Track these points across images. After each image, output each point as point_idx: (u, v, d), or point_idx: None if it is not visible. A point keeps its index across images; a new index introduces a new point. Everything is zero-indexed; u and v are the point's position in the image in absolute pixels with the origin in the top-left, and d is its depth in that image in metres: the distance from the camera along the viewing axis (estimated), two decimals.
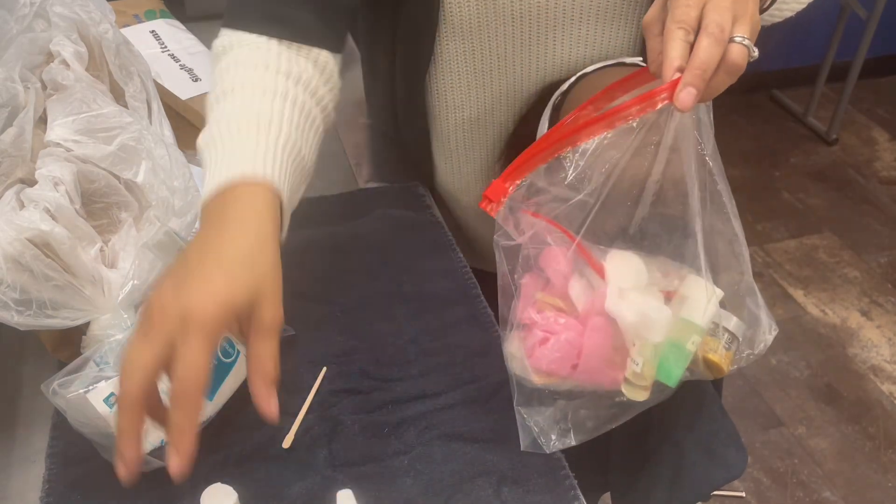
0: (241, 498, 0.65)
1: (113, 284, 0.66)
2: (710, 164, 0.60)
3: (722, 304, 0.62)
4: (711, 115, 0.61)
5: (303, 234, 0.92)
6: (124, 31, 0.91)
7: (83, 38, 0.74)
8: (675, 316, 0.60)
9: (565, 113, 0.73)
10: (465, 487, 0.66)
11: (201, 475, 0.67)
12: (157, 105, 0.78)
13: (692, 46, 0.55)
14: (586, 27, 0.82)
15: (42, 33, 0.75)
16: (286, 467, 0.68)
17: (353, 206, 0.97)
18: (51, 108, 0.69)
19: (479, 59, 0.84)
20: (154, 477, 0.66)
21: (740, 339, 0.63)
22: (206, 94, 1.10)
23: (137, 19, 1.24)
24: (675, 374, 0.61)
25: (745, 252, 0.63)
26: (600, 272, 0.61)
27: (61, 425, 0.68)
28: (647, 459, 0.80)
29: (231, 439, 0.69)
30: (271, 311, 0.56)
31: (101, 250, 0.67)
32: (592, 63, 0.83)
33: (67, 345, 0.71)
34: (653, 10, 0.59)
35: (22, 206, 0.65)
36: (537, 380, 0.63)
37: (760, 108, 3.00)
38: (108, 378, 0.63)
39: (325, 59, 0.74)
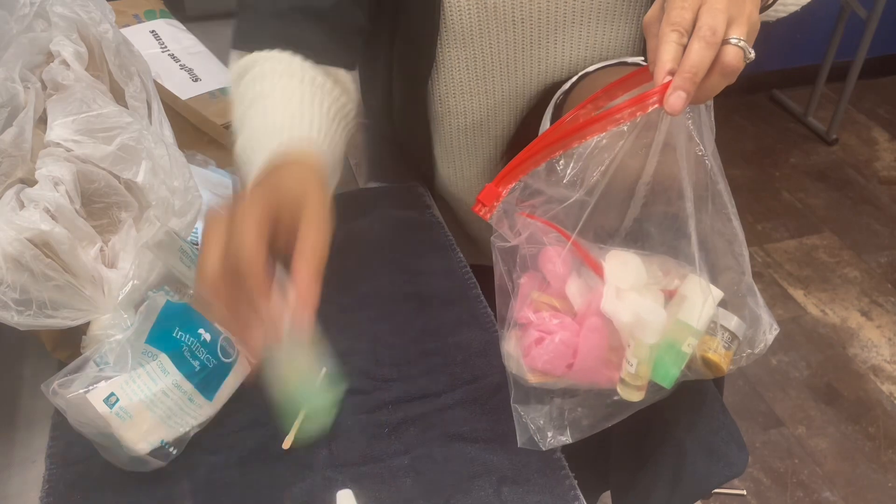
0: (241, 498, 0.65)
1: (113, 284, 0.66)
2: (710, 164, 0.60)
3: (722, 304, 0.62)
4: (712, 116, 0.61)
5: None
6: (124, 31, 0.91)
7: (83, 38, 0.74)
8: (671, 317, 0.60)
9: (567, 111, 0.73)
10: (465, 487, 0.66)
11: (201, 475, 0.67)
12: (157, 105, 0.78)
13: (686, 49, 0.55)
14: (587, 28, 0.82)
15: (42, 33, 0.75)
16: (286, 467, 0.68)
17: (353, 206, 0.96)
18: (51, 108, 0.69)
19: (480, 65, 0.84)
20: (153, 477, 0.66)
21: (740, 339, 0.63)
22: (206, 94, 1.11)
23: (137, 19, 1.24)
24: (670, 376, 0.61)
25: (745, 252, 0.63)
26: (598, 271, 0.61)
27: (61, 425, 0.68)
28: (648, 458, 0.80)
29: (231, 439, 0.69)
30: (318, 204, 0.58)
31: (101, 250, 0.67)
32: (593, 62, 0.83)
33: (67, 345, 0.71)
34: (653, 10, 0.59)
35: (22, 206, 0.65)
36: (532, 379, 0.63)
37: (760, 108, 2.99)
38: (108, 378, 0.63)
39: (344, 77, 0.77)
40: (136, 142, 0.69)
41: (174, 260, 0.67)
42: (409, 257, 0.89)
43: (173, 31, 1.23)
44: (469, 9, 0.79)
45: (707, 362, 0.62)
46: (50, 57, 0.74)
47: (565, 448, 0.73)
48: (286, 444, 0.69)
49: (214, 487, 0.66)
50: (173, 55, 1.17)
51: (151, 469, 0.65)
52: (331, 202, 0.60)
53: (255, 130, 0.68)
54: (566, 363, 0.62)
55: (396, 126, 0.95)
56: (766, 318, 0.63)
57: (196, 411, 0.67)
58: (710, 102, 0.61)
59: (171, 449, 0.66)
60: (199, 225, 0.84)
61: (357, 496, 0.65)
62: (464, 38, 0.81)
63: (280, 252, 0.56)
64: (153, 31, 1.22)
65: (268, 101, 0.70)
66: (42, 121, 0.70)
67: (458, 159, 0.94)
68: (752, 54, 0.56)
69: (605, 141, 0.58)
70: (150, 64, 0.80)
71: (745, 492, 1.71)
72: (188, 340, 0.67)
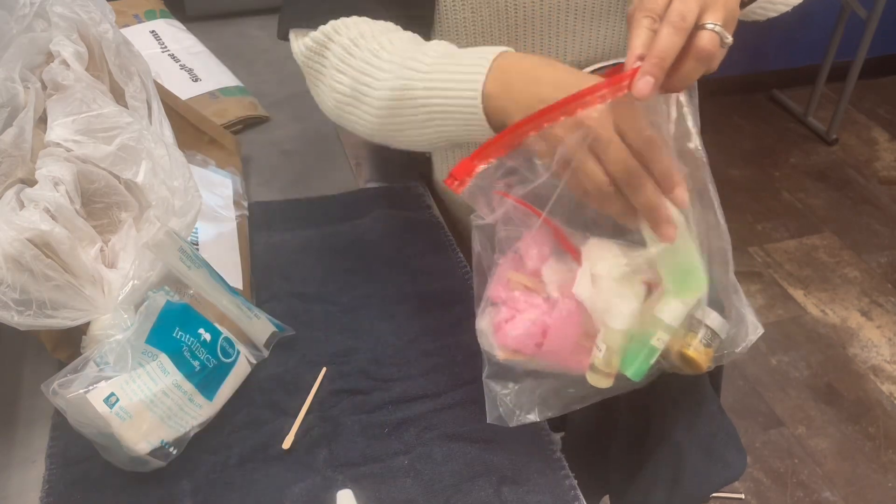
0: (241, 498, 0.65)
1: (113, 284, 0.66)
2: (696, 155, 0.60)
3: (707, 300, 0.62)
4: (696, 106, 0.61)
5: (303, 234, 0.92)
6: (124, 31, 0.91)
7: (83, 38, 0.74)
8: (647, 308, 0.60)
9: None
10: (465, 487, 0.66)
11: (201, 475, 0.67)
12: (157, 105, 0.78)
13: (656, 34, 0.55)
14: (581, 24, 0.82)
15: (42, 33, 0.75)
16: (286, 467, 0.68)
17: (354, 206, 0.97)
18: (51, 108, 0.69)
19: None
20: (153, 477, 0.66)
21: (722, 338, 0.63)
22: (206, 94, 1.11)
23: (137, 19, 1.24)
24: (638, 369, 0.62)
25: (729, 248, 0.62)
26: (575, 256, 0.61)
27: (61, 425, 0.68)
28: (647, 460, 0.80)
29: (231, 439, 0.70)
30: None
31: (101, 250, 0.67)
32: (589, 60, 0.83)
33: (67, 345, 0.71)
34: (635, 2, 0.59)
35: (22, 206, 0.65)
36: (502, 355, 0.64)
37: (760, 108, 2.99)
38: (108, 378, 0.63)
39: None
40: (136, 142, 0.69)
41: (174, 260, 0.67)
42: (409, 257, 0.89)
43: (173, 31, 1.23)
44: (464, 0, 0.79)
45: (685, 358, 0.62)
46: (50, 57, 0.74)
47: (565, 448, 0.73)
48: (286, 444, 0.69)
49: (214, 487, 0.66)
50: (173, 55, 1.17)
51: (151, 469, 0.65)
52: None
53: (439, 59, 0.67)
54: (535, 342, 0.62)
55: None
56: (750, 318, 0.63)
57: (196, 411, 0.67)
58: (695, 94, 0.61)
59: (171, 449, 0.66)
60: (199, 224, 0.84)
61: (357, 496, 0.65)
62: (458, 30, 0.82)
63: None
64: (153, 31, 1.22)
65: (418, 41, 0.71)
66: (42, 121, 0.70)
67: (453, 155, 0.94)
68: (729, 39, 0.56)
69: (579, 124, 0.57)
70: (150, 64, 0.80)
71: (742, 495, 1.71)
72: (188, 340, 0.67)
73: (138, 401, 0.63)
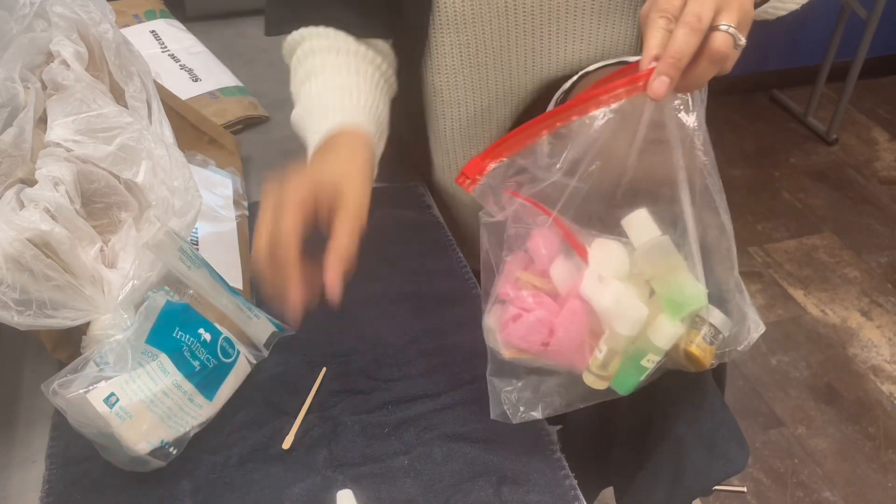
0: (240, 498, 0.65)
1: (113, 284, 0.66)
2: (702, 157, 0.60)
3: (710, 299, 0.62)
4: (704, 105, 0.61)
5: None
6: (124, 31, 0.91)
7: (83, 38, 0.74)
8: (653, 313, 0.60)
9: None
10: (465, 487, 0.66)
11: (202, 475, 0.67)
12: (157, 105, 0.78)
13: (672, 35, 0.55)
14: (582, 22, 0.82)
15: (42, 33, 0.74)
16: (286, 468, 0.68)
17: None
18: (51, 108, 0.69)
19: (473, 53, 0.84)
20: (153, 477, 0.66)
21: (725, 335, 0.63)
22: (206, 94, 1.11)
23: (137, 19, 1.24)
24: (627, 385, 0.62)
25: (734, 247, 0.63)
26: (583, 254, 0.61)
27: (61, 425, 0.68)
28: (649, 454, 0.80)
29: (231, 439, 0.70)
30: (355, 194, 0.66)
31: (101, 250, 0.67)
32: (590, 59, 0.83)
33: (67, 345, 0.71)
34: (648, 2, 0.59)
35: (22, 206, 0.65)
36: (507, 353, 0.64)
37: (760, 108, 2.99)
38: (108, 378, 0.63)
39: (382, 45, 0.86)
40: (136, 142, 0.69)
41: (174, 260, 0.67)
42: (409, 257, 0.89)
43: (173, 31, 1.23)
44: None
45: (688, 356, 0.62)
46: (50, 57, 0.74)
47: (565, 448, 0.73)
48: (286, 444, 0.69)
49: (214, 487, 0.66)
50: (173, 55, 1.17)
51: (151, 469, 0.65)
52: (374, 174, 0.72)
53: (309, 111, 0.79)
54: (541, 341, 0.62)
55: (395, 117, 0.95)
56: (752, 316, 0.63)
57: (196, 411, 0.67)
58: (705, 96, 0.61)
59: (171, 449, 0.66)
60: (199, 224, 0.84)
61: (357, 496, 0.65)
62: (455, 23, 0.82)
63: (324, 228, 0.66)
64: (153, 31, 1.22)
65: (318, 78, 0.80)
66: (42, 121, 0.70)
67: (453, 153, 0.94)
68: (743, 41, 0.56)
69: (591, 124, 0.58)
70: (150, 64, 0.80)
71: (745, 489, 1.71)
72: (188, 340, 0.67)
73: (138, 401, 0.63)
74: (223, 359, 0.70)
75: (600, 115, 0.57)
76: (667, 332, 0.60)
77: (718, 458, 0.77)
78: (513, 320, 0.63)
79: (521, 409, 0.65)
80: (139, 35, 1.20)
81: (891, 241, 2.40)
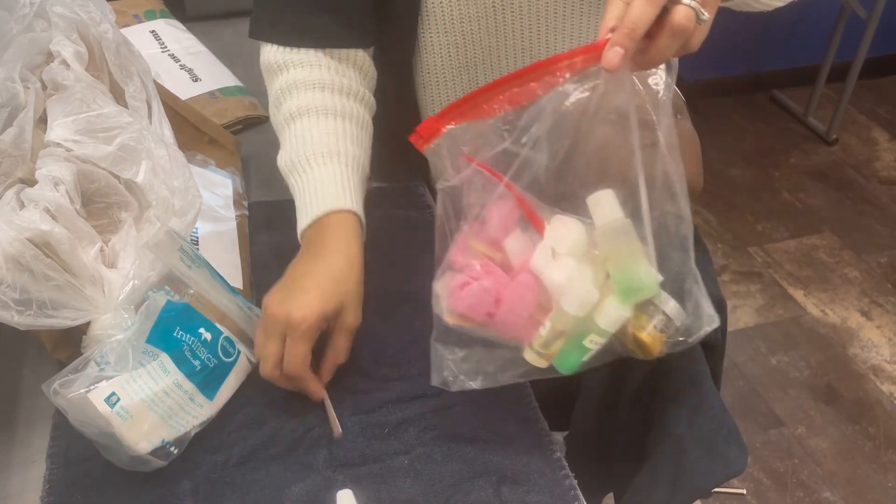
0: (241, 498, 0.65)
1: (113, 284, 0.66)
2: (661, 139, 0.59)
3: (663, 286, 0.61)
4: (671, 87, 0.60)
5: None
6: (124, 31, 0.91)
7: (83, 38, 0.74)
8: (604, 296, 0.59)
9: None
10: (465, 487, 0.66)
11: (202, 474, 0.67)
12: (157, 105, 0.78)
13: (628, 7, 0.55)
14: (570, 21, 0.82)
15: (42, 33, 0.75)
16: (286, 467, 0.68)
17: None
18: (51, 108, 0.69)
19: (462, 52, 0.84)
20: (154, 477, 0.66)
21: (678, 325, 0.62)
22: (206, 94, 1.11)
23: (137, 19, 1.24)
24: (569, 364, 0.62)
25: (691, 235, 0.62)
26: (539, 228, 0.61)
27: (62, 425, 0.68)
28: (648, 457, 0.80)
29: (231, 439, 0.70)
30: (352, 316, 0.73)
31: (101, 250, 0.67)
32: None
33: (67, 345, 0.71)
34: None
35: (22, 206, 0.65)
36: (450, 320, 0.64)
37: (760, 108, 2.99)
38: (109, 378, 0.63)
39: (362, 58, 0.84)
40: (136, 142, 0.69)
41: (174, 260, 0.67)
42: (409, 257, 0.89)
43: (173, 31, 1.23)
44: None
45: (637, 341, 0.62)
46: (50, 57, 0.74)
47: (567, 448, 0.72)
48: (336, 433, 0.70)
49: (215, 487, 0.66)
50: (173, 55, 1.17)
51: (152, 468, 0.66)
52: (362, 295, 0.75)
53: (295, 165, 0.79)
54: (487, 311, 0.62)
55: (389, 116, 0.95)
56: (706, 309, 0.62)
57: (197, 411, 0.67)
58: (674, 75, 0.60)
59: (171, 448, 0.66)
60: (199, 224, 0.84)
61: (357, 496, 0.65)
62: (444, 23, 0.82)
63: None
64: (153, 31, 1.22)
65: (303, 123, 0.80)
66: (42, 121, 0.70)
67: None
68: (706, 16, 0.55)
69: (548, 93, 0.57)
70: (150, 64, 0.80)
71: (744, 491, 1.71)
72: (189, 340, 0.67)
73: (139, 400, 0.63)
74: (224, 358, 0.70)
75: (558, 85, 0.57)
76: (612, 315, 0.60)
77: (718, 459, 0.77)
78: (460, 288, 0.63)
79: (462, 377, 0.65)
80: (139, 35, 1.20)
81: (891, 241, 2.40)
